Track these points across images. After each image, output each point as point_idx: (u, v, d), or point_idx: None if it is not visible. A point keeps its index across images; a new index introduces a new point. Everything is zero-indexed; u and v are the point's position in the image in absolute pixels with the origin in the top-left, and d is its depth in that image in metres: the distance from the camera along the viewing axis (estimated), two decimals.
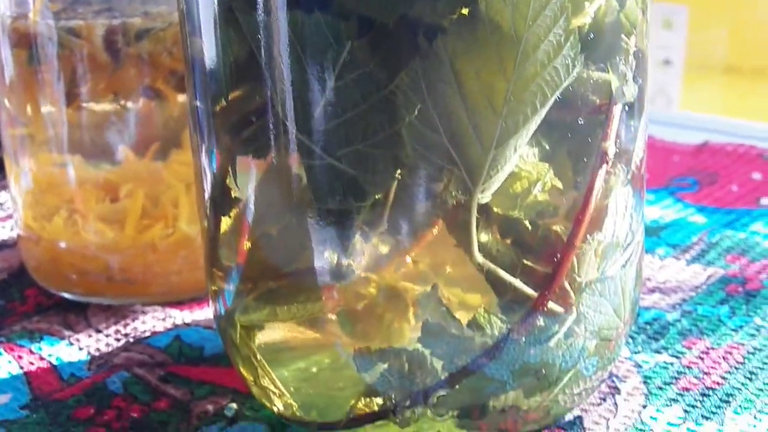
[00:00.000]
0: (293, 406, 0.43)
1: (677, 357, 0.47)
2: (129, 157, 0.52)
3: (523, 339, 0.39)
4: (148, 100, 0.51)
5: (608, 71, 0.38)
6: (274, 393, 0.43)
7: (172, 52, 0.50)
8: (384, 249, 0.40)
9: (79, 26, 0.49)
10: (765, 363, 0.47)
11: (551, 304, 0.39)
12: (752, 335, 0.49)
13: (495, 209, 0.38)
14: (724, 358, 0.47)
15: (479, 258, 0.38)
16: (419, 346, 0.39)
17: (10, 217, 0.66)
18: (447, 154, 0.37)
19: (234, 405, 0.45)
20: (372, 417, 0.41)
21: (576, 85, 0.38)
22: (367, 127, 0.36)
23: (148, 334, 0.51)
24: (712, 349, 0.48)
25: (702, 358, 0.47)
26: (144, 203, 0.53)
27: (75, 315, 0.53)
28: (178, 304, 0.54)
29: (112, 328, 0.52)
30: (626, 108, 0.39)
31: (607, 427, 0.43)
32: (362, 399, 0.41)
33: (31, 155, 0.54)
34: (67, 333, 0.51)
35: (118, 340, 0.51)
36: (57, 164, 0.53)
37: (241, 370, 0.44)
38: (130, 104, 0.51)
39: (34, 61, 0.50)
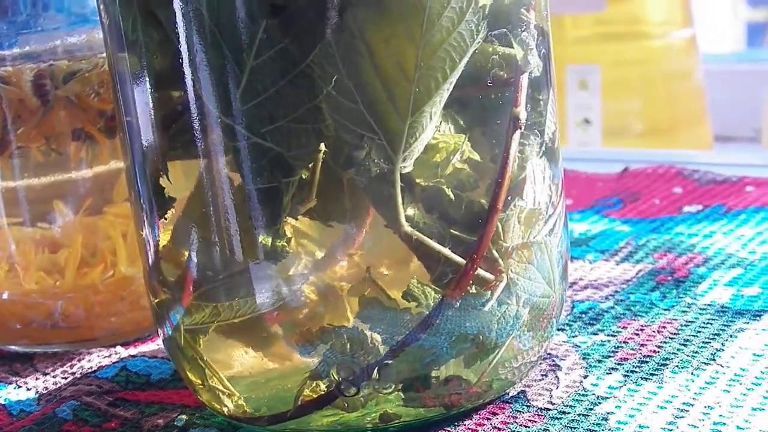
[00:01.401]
0: (243, 406, 0.43)
1: (614, 336, 0.49)
2: (64, 214, 0.54)
3: (457, 305, 0.41)
4: (79, 145, 0.52)
5: (511, 43, 0.41)
6: (224, 392, 0.43)
7: (99, 93, 0.51)
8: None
9: (8, 72, 0.50)
10: (698, 332, 0.48)
11: (481, 271, 0.41)
12: (684, 311, 0.51)
13: (418, 180, 0.40)
14: (658, 332, 0.49)
15: (407, 227, 0.40)
16: (358, 322, 0.40)
17: None
18: (366, 124, 0.38)
19: (184, 416, 0.46)
20: (319, 402, 0.42)
21: (483, 59, 0.40)
22: (287, 103, 0.38)
23: (95, 368, 0.51)
24: (647, 326, 0.49)
25: (638, 334, 0.49)
26: (82, 254, 0.54)
27: (21, 363, 0.54)
28: (124, 344, 0.54)
29: (59, 370, 0.52)
30: (532, 76, 0.42)
31: (551, 397, 0.44)
32: (308, 384, 0.42)
33: None
34: (14, 378, 0.52)
35: (65, 378, 0.51)
36: None
37: (189, 375, 0.44)
38: (65, 175, 0.53)
39: None
